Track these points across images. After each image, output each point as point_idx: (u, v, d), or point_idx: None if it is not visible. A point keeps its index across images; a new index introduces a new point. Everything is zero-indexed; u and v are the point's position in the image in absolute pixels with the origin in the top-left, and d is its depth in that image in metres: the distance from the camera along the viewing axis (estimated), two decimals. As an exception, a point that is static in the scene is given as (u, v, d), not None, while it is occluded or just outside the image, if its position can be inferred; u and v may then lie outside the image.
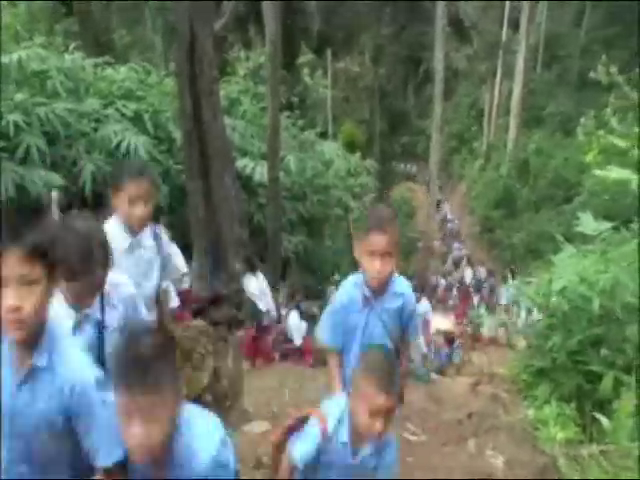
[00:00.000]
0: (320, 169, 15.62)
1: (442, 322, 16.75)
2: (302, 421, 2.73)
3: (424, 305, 11.57)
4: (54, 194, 7.28)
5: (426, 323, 11.53)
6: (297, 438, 2.69)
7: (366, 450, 2.61)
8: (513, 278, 15.16)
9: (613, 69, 8.51)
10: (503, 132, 34.44)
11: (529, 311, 5.38)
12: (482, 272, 22.40)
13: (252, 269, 8.89)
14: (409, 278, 3.53)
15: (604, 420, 3.93)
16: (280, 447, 2.77)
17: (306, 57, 27.89)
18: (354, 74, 38.02)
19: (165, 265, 3.57)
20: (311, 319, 10.63)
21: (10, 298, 1.82)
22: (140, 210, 3.23)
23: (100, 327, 2.62)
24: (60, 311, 2.43)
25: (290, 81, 23.53)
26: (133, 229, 3.30)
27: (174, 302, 3.92)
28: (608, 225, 5.15)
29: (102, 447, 2.03)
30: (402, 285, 3.14)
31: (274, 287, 10.37)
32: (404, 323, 3.17)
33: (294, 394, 6.63)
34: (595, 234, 5.09)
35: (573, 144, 23.96)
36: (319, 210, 14.88)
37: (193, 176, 8.96)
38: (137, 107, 10.50)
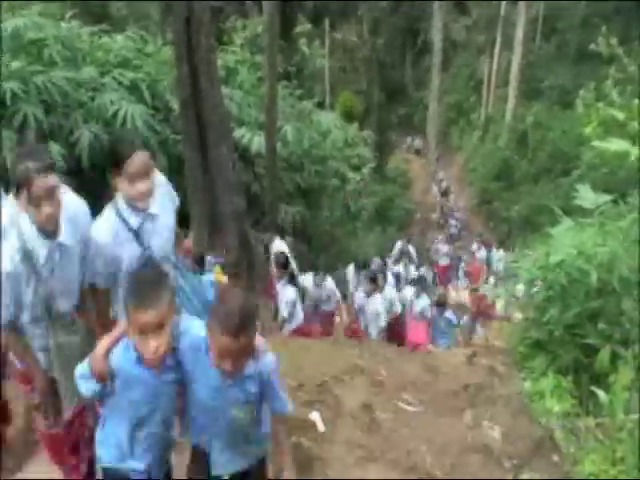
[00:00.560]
0: (317, 139, 15.50)
1: (457, 294, 16.79)
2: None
3: (424, 300, 11.48)
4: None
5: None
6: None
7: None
8: (512, 250, 15.11)
9: (613, 41, 8.43)
10: (502, 104, 34.26)
11: (530, 282, 5.36)
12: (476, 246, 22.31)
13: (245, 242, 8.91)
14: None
15: (601, 393, 3.95)
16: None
17: (303, 27, 27.55)
18: (352, 44, 37.65)
19: None
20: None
21: None
22: (143, 186, 3.18)
23: None
24: None
25: (287, 51, 23.30)
26: (138, 207, 3.25)
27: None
28: (607, 198, 5.14)
29: None
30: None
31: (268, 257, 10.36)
32: None
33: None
34: (593, 207, 5.07)
35: (572, 117, 23.89)
36: (316, 181, 14.79)
37: (191, 146, 8.98)
38: (134, 76, 10.37)
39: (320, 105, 20.97)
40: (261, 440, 2.88)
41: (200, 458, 2.82)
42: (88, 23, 11.64)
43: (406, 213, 27.59)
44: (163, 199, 3.41)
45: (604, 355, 4.33)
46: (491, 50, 37.80)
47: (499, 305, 11.89)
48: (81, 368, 2.62)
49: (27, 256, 2.96)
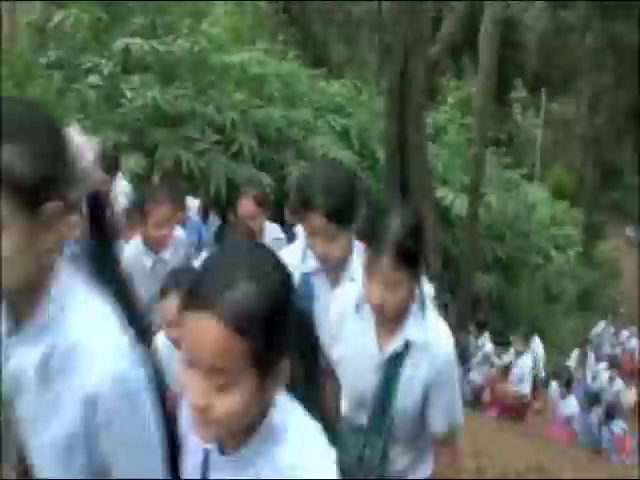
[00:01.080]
0: (523, 212, 14.83)
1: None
2: None
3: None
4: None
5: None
6: None
7: None
8: None
9: None
10: None
11: None
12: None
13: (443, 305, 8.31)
14: None
15: None
16: None
17: (519, 94, 26.76)
18: (569, 118, 36.02)
19: None
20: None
21: None
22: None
23: None
24: None
25: (499, 115, 22.73)
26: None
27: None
28: None
29: None
30: None
31: (460, 324, 9.71)
32: None
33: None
34: None
35: None
36: (517, 254, 14.01)
37: (392, 199, 8.71)
38: (346, 122, 10.68)
39: (528, 177, 20.20)
40: None
41: None
42: (308, 65, 12.05)
43: (611, 303, 25.42)
44: None
45: None
46: None
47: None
48: None
49: None
